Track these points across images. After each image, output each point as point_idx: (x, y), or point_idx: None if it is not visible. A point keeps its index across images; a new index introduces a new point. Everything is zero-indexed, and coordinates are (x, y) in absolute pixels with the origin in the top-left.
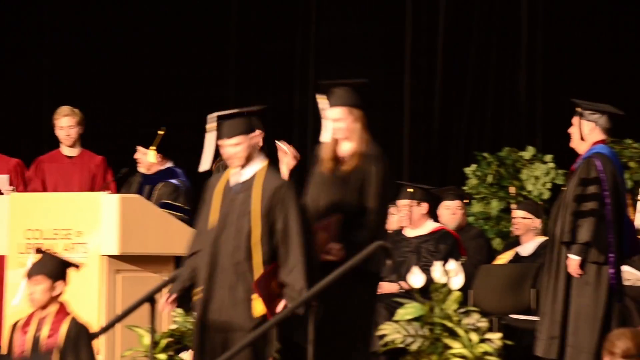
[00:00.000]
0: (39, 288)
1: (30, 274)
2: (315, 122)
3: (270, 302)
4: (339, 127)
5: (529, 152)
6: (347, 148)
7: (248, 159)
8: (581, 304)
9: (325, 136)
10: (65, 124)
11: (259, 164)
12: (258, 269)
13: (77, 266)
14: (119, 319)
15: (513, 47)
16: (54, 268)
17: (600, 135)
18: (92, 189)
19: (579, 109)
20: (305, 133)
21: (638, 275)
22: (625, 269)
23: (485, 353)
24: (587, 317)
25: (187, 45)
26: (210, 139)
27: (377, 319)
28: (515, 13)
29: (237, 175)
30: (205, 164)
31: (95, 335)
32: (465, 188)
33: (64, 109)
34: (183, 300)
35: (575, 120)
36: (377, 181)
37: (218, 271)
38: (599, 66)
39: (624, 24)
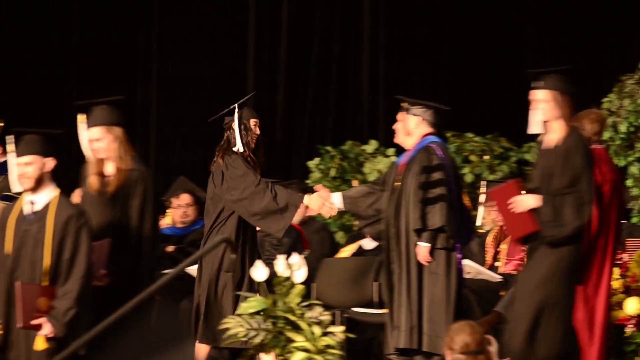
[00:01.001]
0: None
1: None
2: (158, 115)
3: (29, 314)
4: (98, 146)
5: (371, 146)
6: (110, 168)
7: (38, 183)
8: (434, 292)
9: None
10: None
11: (52, 192)
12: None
13: None
14: None
15: (355, 42)
16: None
17: (427, 129)
18: None
19: (404, 105)
20: (147, 126)
21: (478, 268)
22: (466, 262)
23: (328, 346)
24: (440, 303)
25: (29, 37)
26: (11, 158)
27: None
28: (358, 8)
29: (29, 204)
30: (14, 186)
31: None
32: (308, 181)
33: None
34: None
35: (400, 115)
36: (140, 202)
37: (15, 305)
38: (440, 63)
39: (466, 23)
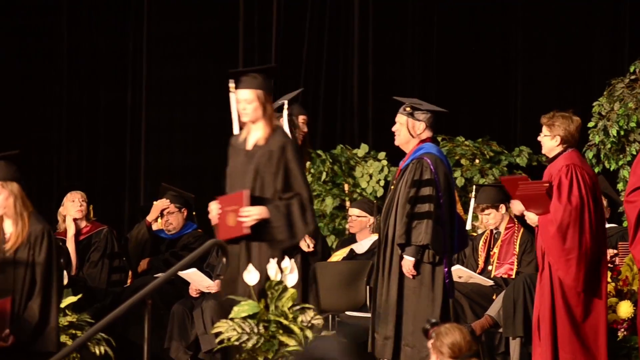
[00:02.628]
0: None
1: None
2: (148, 118)
3: None
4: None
5: (362, 150)
6: (8, 225)
7: None
8: (418, 305)
9: None
10: None
11: None
12: None
13: None
14: None
15: (345, 47)
16: None
17: (428, 133)
18: None
19: (407, 108)
20: (139, 129)
21: (470, 273)
22: (457, 267)
23: None
24: (424, 317)
25: (17, 40)
26: None
27: (213, 317)
28: (348, 12)
29: None
30: None
31: None
32: None
33: None
34: None
35: (401, 118)
36: (45, 259)
37: None
38: (429, 67)
39: (455, 27)
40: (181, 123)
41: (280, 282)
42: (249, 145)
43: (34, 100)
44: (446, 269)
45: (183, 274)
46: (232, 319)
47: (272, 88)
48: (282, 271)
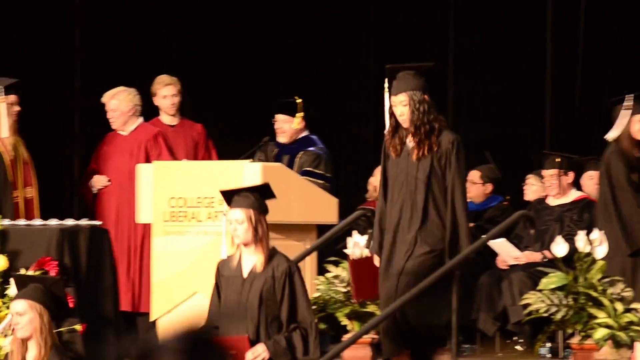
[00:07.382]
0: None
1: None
2: (455, 86)
3: None
4: None
5: None
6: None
7: None
8: None
9: None
10: (169, 92)
11: None
12: None
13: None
14: None
15: None
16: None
17: None
18: (195, 157)
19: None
20: (445, 96)
21: None
22: None
23: (631, 323)
24: None
25: (322, 13)
26: None
27: (522, 289)
28: None
29: None
30: None
31: None
32: None
33: (165, 78)
34: None
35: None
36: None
37: None
38: None
39: None
40: (487, 94)
41: (589, 254)
42: (245, 273)
43: (338, 73)
44: None
45: (491, 243)
46: (540, 291)
47: (266, 209)
48: (591, 243)
